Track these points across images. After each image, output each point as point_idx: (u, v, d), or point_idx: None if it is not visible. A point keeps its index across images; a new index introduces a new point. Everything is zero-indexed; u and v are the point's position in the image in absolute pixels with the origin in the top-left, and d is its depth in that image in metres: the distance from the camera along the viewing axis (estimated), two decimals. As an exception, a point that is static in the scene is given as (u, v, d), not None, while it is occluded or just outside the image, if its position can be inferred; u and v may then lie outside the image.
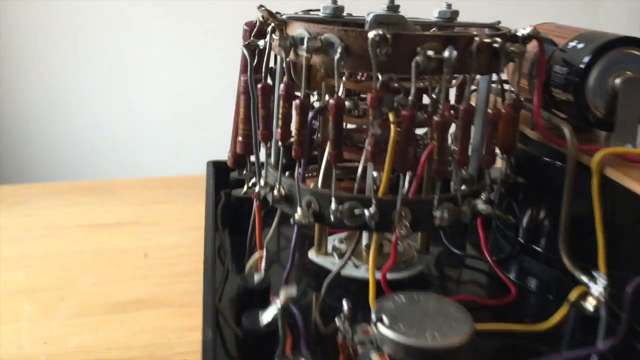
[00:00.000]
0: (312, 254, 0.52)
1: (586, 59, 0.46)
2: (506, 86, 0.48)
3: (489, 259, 0.53)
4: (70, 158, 1.58)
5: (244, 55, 0.48)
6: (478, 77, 0.48)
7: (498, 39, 0.40)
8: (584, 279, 0.42)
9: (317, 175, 0.51)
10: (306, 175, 0.56)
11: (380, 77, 0.41)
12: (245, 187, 0.58)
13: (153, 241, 0.66)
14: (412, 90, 0.39)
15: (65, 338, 0.50)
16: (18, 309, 0.54)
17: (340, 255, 0.51)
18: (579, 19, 1.73)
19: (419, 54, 0.39)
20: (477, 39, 0.40)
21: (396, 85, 0.44)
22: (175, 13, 1.56)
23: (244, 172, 0.57)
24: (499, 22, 0.50)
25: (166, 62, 1.58)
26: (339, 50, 0.39)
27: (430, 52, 0.39)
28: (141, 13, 1.54)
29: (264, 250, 0.46)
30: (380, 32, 0.38)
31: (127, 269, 0.60)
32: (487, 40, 0.40)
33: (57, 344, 0.49)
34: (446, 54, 0.39)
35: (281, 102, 0.42)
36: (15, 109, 1.54)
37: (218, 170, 0.66)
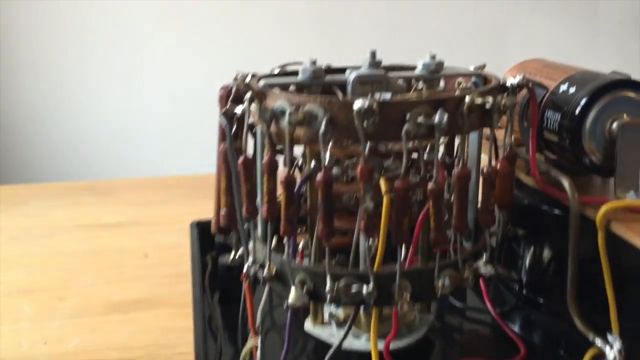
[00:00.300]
0: (308, 325, 0.49)
1: (582, 104, 0.44)
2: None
3: (492, 312, 0.50)
4: (70, 158, 1.60)
5: (221, 125, 0.45)
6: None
7: (489, 98, 0.38)
8: (598, 341, 0.39)
9: (306, 231, 0.48)
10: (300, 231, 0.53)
11: (368, 143, 0.39)
12: (232, 254, 0.55)
13: (153, 241, 0.66)
14: (404, 161, 0.37)
15: (65, 338, 0.50)
16: (18, 309, 0.53)
17: (339, 323, 0.49)
18: (579, 18, 1.74)
19: (408, 121, 0.36)
20: (467, 99, 0.38)
21: (384, 150, 0.41)
22: (176, 13, 1.57)
23: (230, 236, 0.54)
24: (483, 67, 0.48)
25: (166, 63, 1.59)
26: (324, 123, 0.37)
27: (420, 118, 0.37)
28: (141, 13, 1.55)
29: (259, 337, 0.43)
30: (366, 103, 0.35)
31: (127, 269, 0.60)
32: (479, 101, 0.38)
33: (56, 344, 0.49)
34: (437, 119, 0.36)
35: (265, 177, 0.40)
36: (16, 109, 1.55)
37: (203, 231, 0.63)
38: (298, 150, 0.48)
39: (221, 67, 1.58)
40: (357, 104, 0.36)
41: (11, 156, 1.53)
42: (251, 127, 0.46)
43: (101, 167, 1.56)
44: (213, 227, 0.54)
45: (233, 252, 0.54)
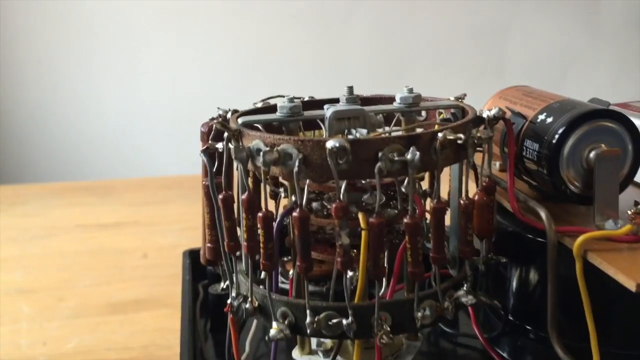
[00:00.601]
0: (296, 354, 0.50)
1: (559, 133, 0.44)
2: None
3: (480, 338, 0.51)
4: (70, 158, 1.60)
5: (203, 161, 0.46)
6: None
7: (462, 136, 0.38)
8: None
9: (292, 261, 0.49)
10: (284, 259, 0.54)
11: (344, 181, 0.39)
12: (222, 284, 0.56)
13: (152, 241, 0.66)
14: (377, 198, 0.38)
15: (64, 339, 0.50)
16: (17, 309, 0.54)
17: (326, 352, 0.49)
18: (579, 18, 1.74)
19: (380, 160, 0.37)
20: (440, 135, 0.38)
21: (361, 184, 0.42)
22: (177, 13, 1.57)
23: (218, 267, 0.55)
24: (464, 96, 0.49)
25: (166, 63, 1.59)
26: (297, 162, 0.37)
27: (393, 155, 0.37)
28: (142, 13, 1.55)
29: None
30: (338, 143, 0.36)
31: (126, 270, 0.60)
32: (451, 137, 0.38)
33: (56, 345, 0.49)
34: (409, 156, 0.37)
35: (244, 214, 0.41)
36: (15, 109, 1.55)
37: (194, 260, 0.63)
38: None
39: (221, 67, 1.60)
40: (330, 143, 0.36)
41: (11, 156, 1.53)
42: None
43: (101, 167, 1.56)
44: (202, 259, 0.55)
45: (222, 282, 0.55)
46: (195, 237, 0.60)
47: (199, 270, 0.62)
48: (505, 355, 0.50)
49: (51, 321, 0.52)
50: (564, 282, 0.44)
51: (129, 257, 0.63)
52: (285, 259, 0.53)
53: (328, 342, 0.51)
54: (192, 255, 0.64)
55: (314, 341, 0.51)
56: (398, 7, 1.67)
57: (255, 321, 0.50)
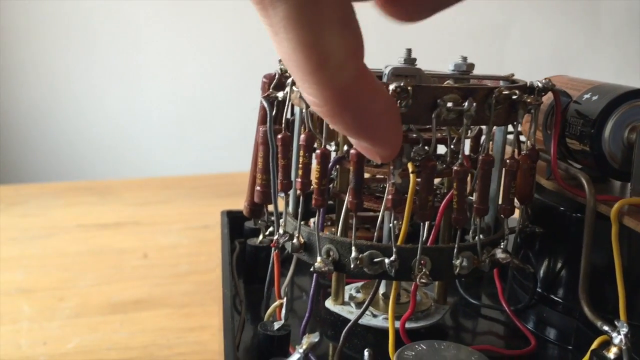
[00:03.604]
0: (329, 304, 0.52)
1: (601, 111, 0.46)
2: (522, 137, 0.48)
3: (506, 308, 0.52)
4: (70, 158, 1.58)
5: (262, 107, 0.48)
6: (494, 128, 0.49)
7: (516, 91, 0.41)
8: (606, 327, 0.41)
9: (333, 225, 0.52)
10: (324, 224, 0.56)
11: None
12: (260, 236, 0.58)
13: (152, 241, 0.65)
14: (433, 142, 0.40)
15: (65, 338, 0.50)
16: (17, 309, 0.53)
17: (358, 304, 0.51)
18: (579, 18, 1.75)
19: (439, 106, 0.40)
20: (496, 91, 0.41)
21: (414, 135, 0.44)
22: (177, 13, 1.56)
23: (260, 221, 0.58)
24: (512, 75, 0.51)
25: (167, 63, 1.57)
26: (361, 101, 0.40)
27: (450, 104, 0.40)
28: (142, 13, 1.54)
29: (284, 298, 0.46)
30: (402, 84, 0.39)
31: (127, 270, 0.59)
32: (506, 92, 0.41)
33: (56, 345, 0.49)
34: (466, 105, 0.39)
35: (301, 152, 0.43)
36: (15, 109, 1.53)
37: (232, 219, 0.66)
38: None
39: (221, 67, 1.60)
40: (393, 85, 0.39)
41: (11, 156, 1.54)
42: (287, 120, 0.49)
43: (101, 167, 1.56)
44: (245, 210, 0.57)
45: (261, 234, 0.58)
46: (195, 237, 0.61)
47: (235, 229, 0.65)
48: (530, 327, 0.52)
49: (51, 321, 0.52)
50: (598, 257, 0.46)
51: (129, 257, 0.62)
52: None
53: (360, 296, 0.53)
54: (229, 215, 0.67)
55: (346, 294, 0.53)
56: None
57: (290, 272, 0.51)
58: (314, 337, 0.37)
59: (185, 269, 0.58)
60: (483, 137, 0.46)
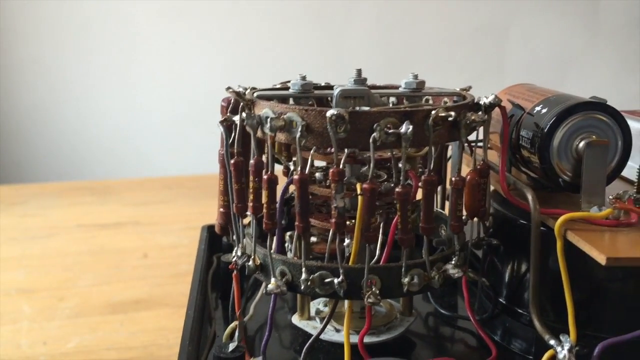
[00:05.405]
0: (295, 319, 0.53)
1: (549, 123, 0.47)
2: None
3: (471, 318, 0.53)
4: (70, 158, 1.59)
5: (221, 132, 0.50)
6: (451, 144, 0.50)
7: (452, 113, 0.41)
8: (552, 342, 0.42)
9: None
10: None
11: (346, 151, 0.43)
12: (233, 253, 0.60)
13: (152, 241, 0.65)
14: (372, 165, 0.41)
15: (65, 338, 0.50)
16: (17, 309, 0.54)
17: (323, 319, 0.52)
18: (579, 18, 1.73)
19: (376, 130, 0.41)
20: (433, 113, 0.41)
21: (360, 157, 0.45)
22: (177, 12, 1.56)
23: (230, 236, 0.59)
24: (469, 88, 0.52)
25: (166, 63, 1.58)
26: (300, 128, 0.41)
27: (387, 128, 0.41)
28: (142, 13, 1.54)
29: (240, 319, 0.47)
30: (336, 112, 0.40)
31: (127, 269, 0.60)
32: (443, 114, 0.41)
33: (56, 345, 0.49)
34: (402, 129, 0.40)
35: (251, 177, 0.44)
36: (15, 109, 1.55)
37: (211, 234, 0.67)
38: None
39: (220, 67, 1.60)
40: (330, 112, 0.40)
41: (11, 156, 1.54)
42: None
43: (101, 167, 1.57)
44: (217, 228, 0.58)
45: (234, 252, 0.59)
46: (195, 237, 0.61)
47: (215, 244, 0.66)
48: (496, 338, 0.53)
49: (51, 321, 0.52)
50: (548, 267, 0.46)
51: (129, 257, 0.62)
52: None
53: (325, 310, 0.54)
54: (209, 230, 0.69)
55: (312, 309, 0.54)
56: (398, 7, 1.67)
57: (261, 289, 0.53)
58: (256, 361, 0.39)
59: (185, 269, 0.59)
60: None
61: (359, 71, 0.48)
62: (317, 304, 0.55)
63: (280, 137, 0.43)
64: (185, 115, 1.58)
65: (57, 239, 0.68)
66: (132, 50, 1.56)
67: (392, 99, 0.53)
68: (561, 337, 0.42)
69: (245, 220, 0.50)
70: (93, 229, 0.70)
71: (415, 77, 0.49)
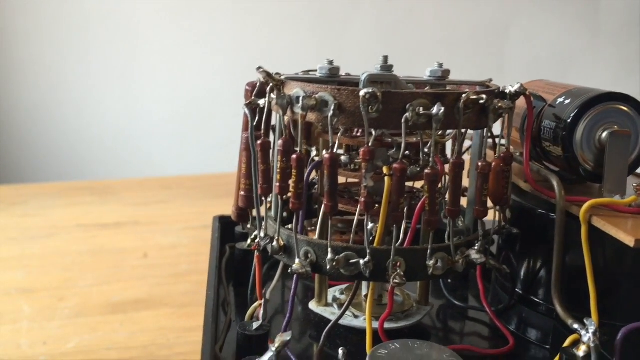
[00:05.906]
0: (312, 305, 0.53)
1: (573, 114, 0.47)
2: (504, 141, 0.49)
3: (487, 309, 0.53)
4: (70, 158, 1.57)
5: (245, 114, 0.50)
6: (471, 132, 0.50)
7: (484, 96, 0.42)
8: (576, 326, 0.42)
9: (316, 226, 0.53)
10: (309, 228, 0.58)
11: (373, 132, 0.43)
12: (248, 240, 0.60)
13: (152, 241, 0.65)
14: (403, 145, 0.41)
15: (65, 338, 0.50)
16: (17, 309, 0.54)
17: (340, 305, 0.52)
18: (579, 18, 1.75)
19: (408, 111, 0.41)
20: (464, 96, 0.42)
21: (389, 140, 0.46)
22: (176, 13, 1.56)
23: (248, 226, 0.59)
24: (490, 80, 0.53)
25: (166, 63, 1.58)
26: (332, 107, 0.41)
27: (419, 109, 0.41)
28: (142, 13, 1.54)
29: (264, 298, 0.47)
30: (371, 90, 0.40)
31: (127, 269, 0.59)
32: (474, 97, 0.42)
33: (56, 344, 0.49)
34: (434, 110, 0.41)
35: (279, 157, 0.45)
36: (15, 109, 1.54)
37: (223, 224, 0.67)
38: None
39: (221, 67, 1.61)
40: (363, 91, 0.40)
41: (11, 156, 1.54)
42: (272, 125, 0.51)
43: (101, 167, 1.56)
44: (233, 215, 0.59)
45: (250, 239, 0.59)
46: (195, 237, 0.61)
47: (227, 234, 0.66)
48: (511, 328, 0.53)
49: (51, 321, 0.52)
50: (568, 255, 0.47)
51: (129, 257, 0.62)
52: (310, 228, 0.57)
53: (343, 298, 0.54)
54: (221, 220, 0.68)
55: (330, 295, 0.54)
56: (398, 7, 1.68)
57: (277, 274, 0.53)
58: (286, 336, 0.38)
59: (185, 269, 0.59)
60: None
61: (386, 58, 0.49)
62: (334, 292, 0.55)
63: (311, 116, 0.43)
64: (185, 115, 1.57)
65: (57, 239, 0.67)
66: (132, 50, 1.56)
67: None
68: (585, 321, 0.42)
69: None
70: (93, 229, 0.69)
71: (440, 65, 0.50)
